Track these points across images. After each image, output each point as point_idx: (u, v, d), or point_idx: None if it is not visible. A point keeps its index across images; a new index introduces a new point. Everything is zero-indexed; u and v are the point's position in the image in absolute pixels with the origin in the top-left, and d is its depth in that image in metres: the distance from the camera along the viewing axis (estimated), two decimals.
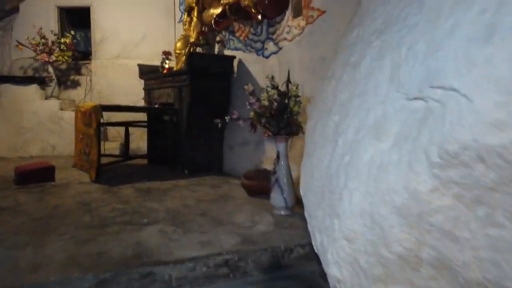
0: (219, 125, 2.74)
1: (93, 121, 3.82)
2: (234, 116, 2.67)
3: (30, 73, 6.09)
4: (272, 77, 2.84)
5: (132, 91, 5.83)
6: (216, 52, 4.63)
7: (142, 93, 5.51)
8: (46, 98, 5.70)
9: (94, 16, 6.03)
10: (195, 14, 4.66)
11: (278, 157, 2.74)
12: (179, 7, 5.84)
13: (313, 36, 3.29)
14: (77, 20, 6.46)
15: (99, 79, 6.02)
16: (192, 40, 4.64)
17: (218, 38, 4.62)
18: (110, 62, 6.01)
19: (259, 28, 3.93)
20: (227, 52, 4.44)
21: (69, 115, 5.52)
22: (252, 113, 2.66)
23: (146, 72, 5.30)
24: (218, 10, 4.24)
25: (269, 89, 2.72)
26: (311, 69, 3.29)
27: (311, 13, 3.30)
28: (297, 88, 2.82)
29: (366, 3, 1.82)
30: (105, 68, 6.01)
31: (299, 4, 3.43)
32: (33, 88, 5.61)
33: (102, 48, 6.03)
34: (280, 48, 3.68)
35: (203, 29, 4.63)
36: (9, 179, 3.88)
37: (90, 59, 6.12)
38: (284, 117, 2.71)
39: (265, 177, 3.13)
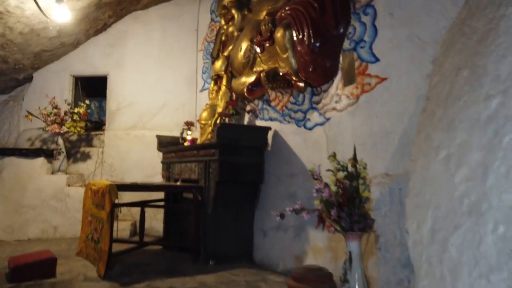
0: (278, 218, 2.13)
1: (106, 203, 3.23)
2: (297, 207, 2.08)
3: (37, 144, 5.63)
4: (334, 155, 2.30)
5: (148, 164, 5.32)
6: (246, 123, 4.17)
7: (158, 166, 5.00)
8: (52, 173, 5.17)
9: (111, 85, 5.72)
10: (224, 82, 4.28)
11: (350, 259, 2.10)
12: (202, 75, 5.53)
13: (371, 106, 2.81)
14: (92, 89, 6.17)
15: (112, 151, 5.54)
16: (219, 109, 4.21)
17: (248, 108, 4.19)
18: (124, 133, 5.57)
19: (300, 97, 3.49)
20: (259, 123, 3.97)
21: (76, 192, 4.95)
22: (318, 202, 2.07)
23: (165, 144, 4.82)
24: (252, 78, 3.85)
25: (336, 170, 2.16)
26: (371, 144, 2.76)
27: (367, 80, 2.86)
28: (365, 168, 2.27)
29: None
30: (119, 139, 5.55)
31: (351, 70, 3.01)
32: (40, 161, 5.11)
33: (117, 118, 5.64)
34: (328, 119, 3.19)
35: (232, 98, 4.22)
36: (1, 272, 3.21)
37: (103, 130, 5.70)
38: (355, 207, 2.12)
39: (321, 279, 2.45)
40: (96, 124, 5.96)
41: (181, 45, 5.68)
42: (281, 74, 3.53)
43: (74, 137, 5.63)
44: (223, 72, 4.34)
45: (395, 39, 2.71)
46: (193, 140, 4.29)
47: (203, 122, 4.32)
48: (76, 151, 5.64)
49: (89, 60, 5.78)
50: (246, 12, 4.39)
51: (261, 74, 3.68)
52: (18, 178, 5.06)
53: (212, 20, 5.38)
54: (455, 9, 2.25)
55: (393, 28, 2.73)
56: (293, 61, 3.36)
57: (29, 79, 5.86)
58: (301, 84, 3.34)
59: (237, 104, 4.16)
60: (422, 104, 2.31)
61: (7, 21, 4.10)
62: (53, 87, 5.77)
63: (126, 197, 4.77)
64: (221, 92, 4.29)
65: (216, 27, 5.24)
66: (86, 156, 5.60)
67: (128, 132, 5.57)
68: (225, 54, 4.57)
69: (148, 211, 4.79)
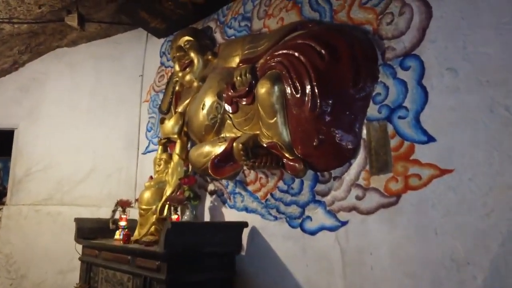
0: None
1: None
2: None
3: None
4: None
5: (63, 255, 3.79)
6: (207, 210, 2.91)
7: (77, 259, 3.50)
8: None
9: (19, 142, 4.23)
10: (177, 150, 3.04)
11: None
12: (146, 133, 4.24)
13: (424, 213, 1.74)
14: None
15: (12, 236, 3.94)
16: (169, 189, 2.93)
17: (211, 187, 2.96)
18: (33, 208, 4.03)
19: (295, 183, 2.35)
20: (228, 213, 2.75)
21: None
22: None
23: (87, 231, 3.39)
24: (219, 149, 2.67)
25: None
26: (430, 280, 1.66)
27: (415, 171, 1.81)
28: None
29: None
30: (24, 218, 3.99)
31: (384, 151, 1.94)
32: None
33: (25, 187, 4.11)
34: (343, 223, 2.06)
35: (188, 173, 2.97)
36: None
37: (3, 203, 4.11)
38: None
39: None
40: None
41: (120, 94, 4.39)
42: (264, 145, 2.39)
43: None
44: (176, 136, 3.11)
45: (463, 108, 1.71)
46: (128, 236, 2.92)
47: (144, 207, 2.99)
48: None
49: None
50: (210, 57, 3.29)
51: (234, 145, 2.52)
52: None
53: (162, 64, 4.21)
54: None
55: (459, 92, 1.74)
56: (284, 130, 2.27)
57: None
58: (298, 165, 2.21)
59: (195, 183, 2.91)
60: None
61: None
62: None
63: None
64: (172, 164, 3.03)
65: (167, 74, 4.07)
66: None
67: (38, 208, 4.03)
68: (179, 110, 3.38)
69: None
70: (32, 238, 3.93)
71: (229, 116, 2.75)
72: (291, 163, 2.23)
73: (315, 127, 2.14)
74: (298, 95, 2.19)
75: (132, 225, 3.33)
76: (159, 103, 4.04)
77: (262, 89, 2.37)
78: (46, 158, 4.19)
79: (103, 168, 4.19)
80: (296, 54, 2.24)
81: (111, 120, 4.32)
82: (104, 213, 3.95)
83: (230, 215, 2.72)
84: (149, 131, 4.23)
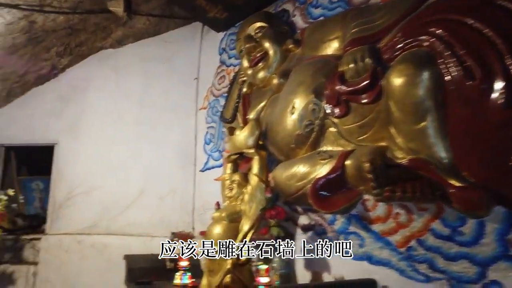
0: None
1: None
2: None
3: None
4: None
5: None
6: (301, 254, 2.09)
7: None
8: None
9: (59, 161, 3.65)
10: (256, 170, 2.25)
11: None
12: (204, 147, 3.53)
13: None
14: (35, 162, 4.07)
15: (51, 272, 3.33)
16: (246, 223, 2.15)
17: (305, 220, 2.15)
18: (75, 239, 3.40)
19: (468, 225, 1.48)
20: (337, 262, 1.91)
21: None
22: None
23: (139, 272, 2.68)
24: (323, 169, 1.85)
25: None
26: None
27: None
28: None
29: None
30: (65, 251, 3.37)
31: None
32: None
33: (66, 213, 3.50)
34: None
35: (273, 201, 2.17)
36: None
37: (41, 232, 3.52)
38: None
39: None
40: (34, 220, 3.78)
41: (172, 101, 3.72)
42: (402, 164, 1.56)
43: None
44: (252, 150, 2.33)
45: None
46: (195, 287, 2.17)
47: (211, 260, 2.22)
48: None
49: (27, 121, 3.72)
50: (290, 46, 2.52)
51: (349, 163, 1.70)
52: None
53: (222, 63, 3.49)
54: None
55: None
56: (440, 139, 1.44)
57: None
58: (477, 198, 1.36)
59: (286, 216, 2.11)
60: None
61: None
62: None
63: None
64: (249, 189, 2.25)
65: (229, 74, 3.34)
66: (6, 282, 3.35)
67: (81, 238, 3.40)
68: (252, 116, 2.62)
69: None
70: (75, 275, 3.29)
71: (332, 121, 1.94)
72: (462, 194, 1.38)
73: (510, 135, 1.29)
74: (475, 82, 1.35)
75: (193, 262, 2.60)
76: (220, 109, 3.32)
77: (399, 79, 1.55)
78: (89, 179, 3.57)
79: (155, 189, 3.51)
80: (464, 19, 1.40)
81: (162, 133, 3.65)
82: (158, 244, 3.25)
83: (339, 263, 1.89)
84: (208, 144, 3.51)
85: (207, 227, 2.37)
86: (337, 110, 1.88)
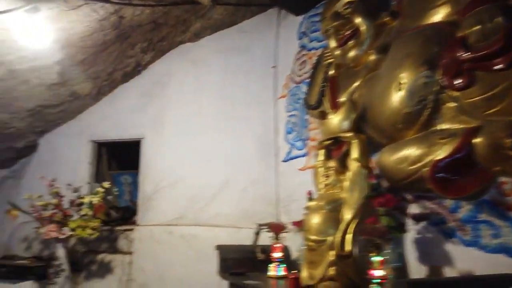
0: None
1: None
2: None
3: (35, 248, 3.70)
4: None
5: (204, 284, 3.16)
6: (410, 245, 1.89)
7: None
8: None
9: (146, 155, 3.76)
10: (356, 154, 2.08)
11: None
12: (285, 136, 3.42)
13: None
14: (124, 157, 4.26)
15: (145, 262, 3.45)
16: (348, 212, 1.99)
17: (416, 209, 1.94)
18: (165, 230, 3.48)
19: None
20: (463, 254, 1.68)
21: None
22: None
23: (232, 263, 2.65)
24: (442, 150, 1.63)
25: None
26: None
27: None
28: None
29: None
30: (156, 241, 3.47)
31: None
32: (27, 287, 3.10)
33: (154, 206, 3.60)
34: None
35: (379, 189, 1.98)
36: None
37: (133, 223, 3.66)
38: None
39: None
40: (126, 212, 3.96)
41: (250, 91, 3.65)
42: None
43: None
44: (350, 134, 2.16)
45: None
46: (296, 280, 2.06)
47: (313, 237, 2.08)
48: (90, 260, 3.60)
49: (115, 117, 3.90)
50: (386, 19, 2.30)
51: (481, 140, 1.47)
52: None
53: (303, 47, 3.34)
54: None
55: None
56: None
57: (33, 147, 4.08)
58: None
59: (395, 204, 1.92)
60: None
61: None
62: (66, 159, 3.93)
63: None
64: (350, 175, 2.08)
65: (311, 58, 3.19)
66: (105, 269, 3.53)
67: (171, 229, 3.47)
68: (343, 98, 2.45)
69: None
70: (166, 265, 3.37)
71: (451, 95, 1.70)
72: None
73: None
74: None
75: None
76: (302, 96, 3.18)
77: None
78: (174, 171, 3.64)
79: (237, 181, 3.48)
80: None
81: (242, 124, 3.60)
82: (245, 235, 3.22)
83: (465, 257, 1.66)
84: (290, 133, 3.40)
85: (303, 217, 2.25)
86: (458, 82, 1.64)
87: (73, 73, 3.18)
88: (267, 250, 2.64)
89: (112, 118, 3.90)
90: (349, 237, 1.95)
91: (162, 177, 3.64)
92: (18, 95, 3.02)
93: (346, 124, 2.24)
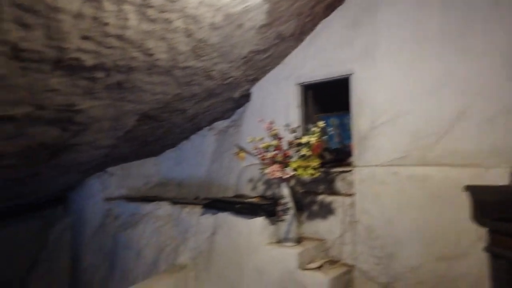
0: None
1: None
2: None
3: (260, 188, 3.99)
4: None
5: (442, 237, 2.75)
6: None
7: (467, 238, 2.34)
8: (278, 241, 3.31)
9: (357, 90, 3.44)
10: None
11: None
12: None
13: None
14: (327, 100, 4.10)
15: (368, 204, 3.23)
16: None
17: None
18: (388, 171, 3.16)
19: None
20: None
21: (315, 282, 2.89)
22: None
23: (490, 206, 2.13)
24: None
25: None
26: None
27: None
28: None
29: None
30: (380, 182, 3.19)
31: None
32: (258, 223, 3.34)
33: (371, 144, 3.30)
34: None
35: None
36: None
37: (350, 165, 3.47)
38: None
39: None
40: (338, 154, 3.82)
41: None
42: None
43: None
44: None
45: None
46: None
47: None
48: (311, 200, 3.64)
49: (319, 55, 3.69)
50: None
51: None
52: (234, 248, 3.45)
53: None
54: None
55: None
56: None
57: (247, 96, 4.32)
58: None
59: None
60: None
61: (185, 5, 2.39)
62: (276, 105, 4.02)
63: None
64: None
65: None
66: (325, 210, 3.51)
67: (395, 170, 3.13)
68: None
69: None
70: (393, 209, 3.07)
71: None
72: None
73: None
74: None
75: None
76: None
77: None
78: (392, 106, 3.21)
79: (478, 111, 2.80)
80: None
81: (479, 40, 2.83)
82: (494, 177, 2.60)
83: None
84: None
85: None
86: None
87: (279, 11, 3.05)
88: None
89: (316, 58, 3.71)
90: None
91: (379, 113, 3.27)
92: (235, 42, 3.10)
93: None
